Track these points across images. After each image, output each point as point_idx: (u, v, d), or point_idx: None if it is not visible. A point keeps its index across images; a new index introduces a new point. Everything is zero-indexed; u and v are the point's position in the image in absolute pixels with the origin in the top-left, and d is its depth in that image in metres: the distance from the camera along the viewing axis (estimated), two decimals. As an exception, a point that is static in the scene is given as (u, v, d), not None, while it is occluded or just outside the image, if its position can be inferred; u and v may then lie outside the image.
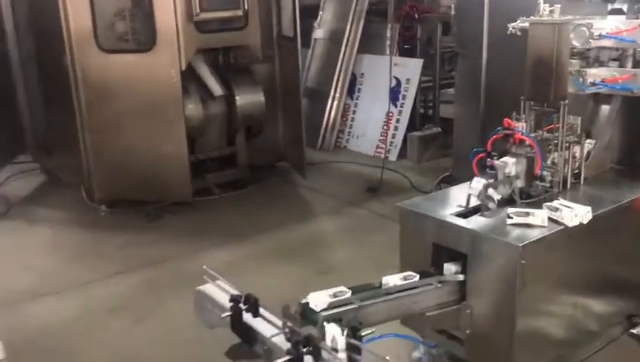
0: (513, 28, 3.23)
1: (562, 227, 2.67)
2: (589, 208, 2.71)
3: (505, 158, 2.92)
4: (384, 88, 7.34)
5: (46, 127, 6.83)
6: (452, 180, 5.32)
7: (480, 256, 2.68)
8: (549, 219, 2.70)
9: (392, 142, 7.25)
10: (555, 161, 3.04)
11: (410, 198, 5.94)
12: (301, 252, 4.80)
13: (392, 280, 2.61)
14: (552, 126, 3.06)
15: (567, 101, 2.96)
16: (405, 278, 2.63)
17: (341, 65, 7.63)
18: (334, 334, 2.14)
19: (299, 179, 6.31)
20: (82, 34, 5.06)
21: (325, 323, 2.21)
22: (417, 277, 2.63)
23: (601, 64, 3.12)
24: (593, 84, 3.00)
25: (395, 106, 7.31)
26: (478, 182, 2.86)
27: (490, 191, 2.84)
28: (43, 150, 6.86)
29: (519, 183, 2.94)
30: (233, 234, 5.02)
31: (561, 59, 2.86)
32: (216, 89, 5.60)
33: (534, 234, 2.62)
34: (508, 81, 3.68)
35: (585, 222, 2.69)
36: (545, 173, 2.95)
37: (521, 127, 2.94)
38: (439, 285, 2.71)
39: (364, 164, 6.88)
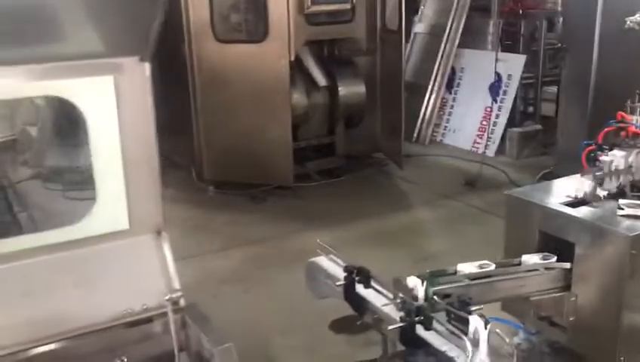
0: (631, 21, 3.21)
1: (675, 220, 2.67)
2: None
3: (614, 152, 2.94)
4: (484, 83, 7.35)
5: (162, 112, 7.30)
6: (553, 177, 5.28)
7: (588, 245, 2.73)
8: (662, 212, 2.70)
9: (490, 138, 7.22)
10: (670, 155, 3.01)
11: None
12: (398, 239, 4.93)
13: (467, 268, 2.69)
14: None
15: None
16: (481, 266, 2.70)
17: (441, 59, 7.68)
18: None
19: (394, 170, 6.44)
20: (201, 25, 5.41)
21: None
22: (493, 266, 2.69)
23: None
24: None
25: (495, 102, 7.28)
26: (586, 178, 2.89)
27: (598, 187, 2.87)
28: (158, 133, 7.34)
29: (632, 177, 2.94)
30: (331, 219, 5.22)
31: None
32: (321, 79, 5.83)
33: (646, 226, 2.63)
34: (619, 79, 3.66)
35: (700, 216, 2.67)
36: (659, 166, 2.93)
37: (635, 120, 2.94)
38: (545, 271, 2.78)
39: (461, 158, 6.91)
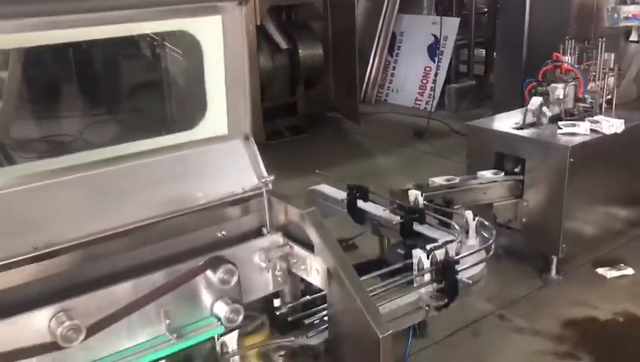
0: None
1: (601, 135, 3.42)
2: (622, 120, 3.45)
3: (555, 84, 3.66)
4: (423, 45, 8.07)
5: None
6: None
7: (536, 159, 3.44)
8: (591, 130, 3.44)
9: (431, 94, 7.96)
10: (593, 88, 3.77)
11: (451, 141, 6.70)
12: (363, 180, 5.52)
13: (438, 180, 3.36)
14: (591, 62, 3.79)
15: (604, 39, 3.67)
16: (448, 180, 3.38)
17: (382, 24, 8.32)
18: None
19: (350, 126, 7.05)
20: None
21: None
22: (458, 179, 3.37)
23: (634, 2, 3.83)
24: (626, 18, 3.70)
25: (434, 61, 8.01)
26: (536, 101, 3.60)
27: (544, 108, 3.58)
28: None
29: (566, 105, 3.68)
30: (303, 169, 5.76)
31: (600, 2, 3.58)
32: (282, 43, 6.32)
33: (580, 139, 3.37)
34: (549, 33, 4.33)
35: (619, 131, 3.43)
36: (586, 96, 3.68)
37: (567, 59, 3.66)
38: (502, 182, 3.48)
39: (407, 114, 7.61)
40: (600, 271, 3.62)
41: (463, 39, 8.13)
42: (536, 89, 3.73)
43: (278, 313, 2.12)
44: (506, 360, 2.94)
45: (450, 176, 3.41)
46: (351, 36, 6.62)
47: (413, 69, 8.23)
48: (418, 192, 3.04)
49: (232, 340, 1.91)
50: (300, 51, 6.44)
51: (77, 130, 1.97)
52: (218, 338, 1.89)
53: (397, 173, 5.86)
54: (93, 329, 1.64)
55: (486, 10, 8.57)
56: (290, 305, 2.12)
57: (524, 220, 3.57)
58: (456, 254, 2.50)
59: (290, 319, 2.11)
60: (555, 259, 3.56)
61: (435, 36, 7.95)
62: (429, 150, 6.27)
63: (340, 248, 1.96)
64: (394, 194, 3.13)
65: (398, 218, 2.98)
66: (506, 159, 3.60)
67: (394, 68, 8.50)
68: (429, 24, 8.08)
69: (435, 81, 7.97)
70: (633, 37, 3.99)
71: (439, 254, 2.41)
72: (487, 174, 3.51)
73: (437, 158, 5.98)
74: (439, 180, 3.37)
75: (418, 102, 8.06)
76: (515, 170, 3.60)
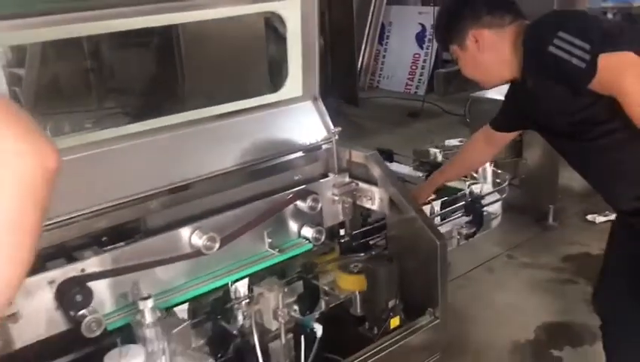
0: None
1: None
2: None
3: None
4: (410, 34, 8.63)
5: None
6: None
7: (533, 121, 3.99)
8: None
9: (420, 80, 8.54)
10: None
11: (444, 120, 7.26)
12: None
13: (453, 141, 3.91)
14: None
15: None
16: (461, 141, 3.92)
17: (372, 15, 8.86)
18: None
19: (348, 110, 7.57)
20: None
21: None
22: None
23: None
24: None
25: (422, 49, 8.59)
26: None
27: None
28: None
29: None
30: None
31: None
32: (286, 34, 6.81)
33: (570, 103, 3.93)
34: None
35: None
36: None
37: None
38: (505, 143, 4.03)
39: (399, 98, 8.17)
40: (589, 217, 4.20)
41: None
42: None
43: (342, 240, 2.64)
44: (518, 287, 3.49)
45: (462, 138, 3.95)
46: (349, 25, 7.15)
47: (402, 57, 8.79)
48: (437, 150, 3.59)
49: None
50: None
51: (187, 92, 2.44)
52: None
53: (400, 147, 6.38)
54: (224, 241, 2.13)
55: None
56: (353, 233, 2.64)
57: (522, 176, 4.13)
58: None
59: (354, 244, 2.63)
60: (552, 208, 4.13)
61: (422, 25, 8.51)
62: (424, 128, 6.83)
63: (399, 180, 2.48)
64: (416, 153, 3.66)
65: (420, 173, 3.53)
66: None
67: (384, 56, 9.05)
68: (416, 14, 8.65)
69: (424, 67, 8.55)
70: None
71: (467, 191, 2.96)
72: (454, 142, 4.03)
73: (432, 135, 6.53)
74: (454, 141, 3.90)
75: (408, 87, 8.63)
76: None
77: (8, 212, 0.94)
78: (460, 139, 3.94)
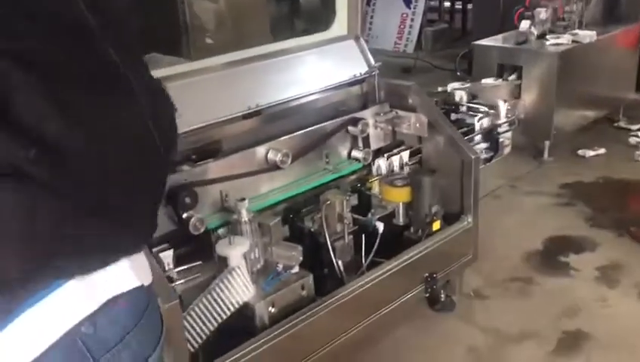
0: None
1: (580, 44, 4.42)
2: (594, 32, 4.46)
3: (540, 8, 4.62)
4: (397, -6, 8.94)
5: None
6: (470, 59, 7.04)
7: (531, 65, 4.40)
8: (572, 41, 4.43)
9: (408, 38, 8.88)
10: (569, 9, 4.76)
11: (435, 74, 7.59)
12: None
13: (456, 84, 4.29)
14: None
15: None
16: (462, 84, 4.30)
17: (360, -24, 9.12)
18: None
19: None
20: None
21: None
22: (469, 85, 4.30)
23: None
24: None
25: (409, 8, 8.91)
26: (525, 23, 4.56)
27: (531, 28, 4.55)
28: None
29: (549, 25, 4.65)
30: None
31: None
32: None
33: (564, 48, 4.35)
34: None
35: (593, 40, 4.43)
36: (565, 16, 4.66)
37: (549, -13, 4.62)
38: (506, 85, 4.44)
39: (391, 56, 8.50)
40: (580, 152, 4.65)
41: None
42: (524, 14, 4.69)
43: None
44: (523, 210, 3.93)
45: (463, 82, 4.34)
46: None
47: (390, 17, 9.09)
48: (453, 87, 3.97)
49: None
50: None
51: (246, 32, 2.75)
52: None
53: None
54: (295, 157, 2.49)
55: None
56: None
57: (521, 116, 4.55)
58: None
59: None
60: (547, 144, 4.57)
61: (409, -16, 8.82)
62: (419, 82, 7.14)
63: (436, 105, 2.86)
64: (430, 94, 4.04)
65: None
66: (505, 68, 4.57)
67: (371, 17, 9.34)
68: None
69: (412, 26, 8.89)
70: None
71: (485, 122, 3.36)
72: (489, 80, 4.45)
73: (428, 87, 6.90)
74: (456, 84, 4.29)
75: (397, 45, 8.96)
76: (510, 78, 4.57)
77: None
78: (461, 82, 4.33)
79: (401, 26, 8.99)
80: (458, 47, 8.32)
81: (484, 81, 4.42)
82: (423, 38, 8.73)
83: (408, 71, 7.67)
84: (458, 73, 7.26)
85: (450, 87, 4.32)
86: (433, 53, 8.58)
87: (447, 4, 9.53)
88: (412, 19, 8.90)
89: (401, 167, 2.93)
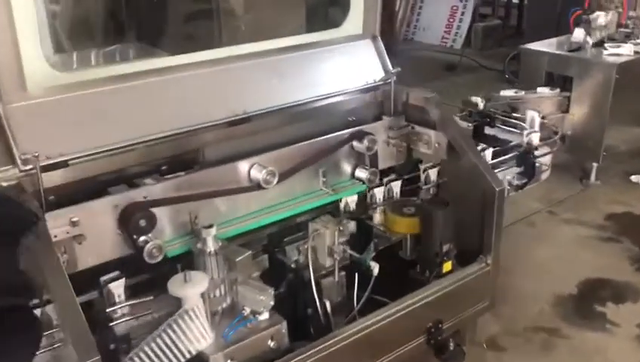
0: None
1: (643, 55, 3.88)
2: (661, 43, 3.90)
3: (598, 12, 4.08)
4: (450, -15, 8.40)
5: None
6: (518, 61, 6.49)
7: (584, 76, 3.89)
8: (634, 51, 3.89)
9: (457, 33, 8.34)
10: (634, 15, 4.20)
11: (481, 75, 7.08)
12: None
13: (507, 92, 3.80)
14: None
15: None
16: (516, 92, 3.83)
17: (410, -36, 8.61)
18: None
19: (383, 61, 7.44)
20: None
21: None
22: (523, 93, 3.82)
23: None
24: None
25: (460, 1, 8.35)
26: (579, 31, 4.03)
27: (587, 36, 4.02)
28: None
29: (608, 31, 4.11)
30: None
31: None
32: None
33: (625, 59, 3.81)
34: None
35: (659, 52, 3.88)
36: (628, 22, 4.11)
37: (613, -11, 4.08)
38: (553, 97, 3.94)
39: (435, 51, 8.01)
40: (633, 178, 4.13)
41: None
42: (581, 17, 4.15)
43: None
44: (559, 242, 3.47)
45: (516, 89, 3.86)
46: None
47: (439, 9, 8.56)
48: (486, 100, 3.51)
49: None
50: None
51: (249, 24, 2.39)
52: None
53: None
54: (282, 176, 2.11)
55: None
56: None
57: (568, 132, 4.05)
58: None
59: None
60: (595, 166, 4.06)
61: (462, -24, 8.26)
62: (461, 81, 6.70)
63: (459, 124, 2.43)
64: (465, 103, 3.58)
65: (467, 123, 3.46)
66: (554, 78, 4.06)
67: (420, 7, 8.83)
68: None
69: (461, 20, 8.33)
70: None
71: (522, 141, 2.90)
72: (545, 90, 3.95)
73: (468, 89, 6.40)
74: (508, 92, 3.81)
75: (445, 40, 8.44)
76: (558, 88, 4.06)
77: None
78: (514, 90, 3.85)
79: (451, 20, 8.45)
80: (510, 46, 7.73)
81: (527, 91, 3.94)
82: (473, 34, 8.17)
83: (452, 69, 7.16)
84: (506, 75, 6.73)
85: (501, 92, 3.84)
86: (482, 52, 8.02)
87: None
88: (462, 13, 8.35)
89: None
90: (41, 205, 1.74)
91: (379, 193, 2.43)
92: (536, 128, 3.15)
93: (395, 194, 2.46)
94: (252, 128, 2.22)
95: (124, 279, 1.87)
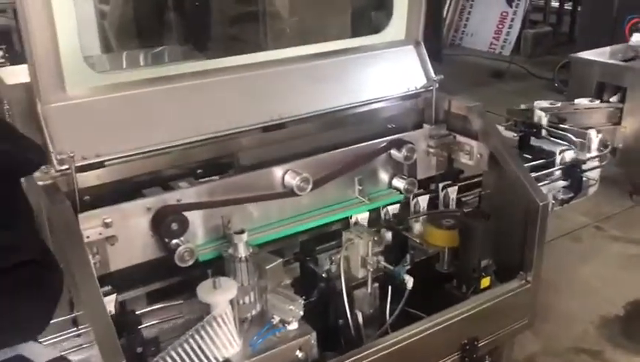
0: None
1: None
2: None
3: (657, 20, 3.91)
4: (500, -9, 8.23)
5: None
6: (569, 69, 6.29)
7: (639, 87, 3.72)
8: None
9: (506, 39, 8.16)
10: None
11: (530, 83, 6.91)
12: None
13: (542, 103, 3.65)
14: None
15: None
16: (552, 103, 3.67)
17: (460, -32, 8.48)
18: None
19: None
20: None
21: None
22: (560, 104, 3.65)
23: None
24: None
25: (511, 7, 8.17)
26: (637, 37, 3.86)
27: (645, 45, 3.85)
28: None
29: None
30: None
31: None
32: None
33: (683, 70, 3.64)
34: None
35: None
36: (691, 31, 3.93)
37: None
38: (604, 108, 3.79)
39: (482, 57, 7.85)
40: (687, 195, 3.93)
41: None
42: (638, 25, 3.98)
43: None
44: (606, 260, 3.32)
45: (553, 101, 3.72)
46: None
47: (489, 14, 8.40)
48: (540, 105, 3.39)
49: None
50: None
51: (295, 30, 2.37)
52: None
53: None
54: (317, 183, 2.07)
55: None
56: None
57: (620, 146, 3.88)
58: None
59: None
60: (647, 181, 3.89)
61: (513, -19, 8.08)
62: (508, 89, 6.55)
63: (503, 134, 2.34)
64: (511, 112, 3.47)
65: (513, 134, 3.35)
66: (606, 88, 3.90)
67: (469, 12, 8.68)
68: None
69: (511, 27, 8.15)
70: None
71: (569, 155, 2.78)
72: (584, 101, 3.80)
73: (516, 97, 6.23)
74: (544, 103, 3.68)
75: (493, 46, 8.27)
76: (611, 99, 3.90)
77: None
78: (550, 101, 3.71)
79: (500, 26, 8.28)
80: (561, 54, 7.52)
81: (577, 101, 3.80)
82: (522, 41, 7.98)
83: (499, 76, 7.00)
84: (556, 84, 6.54)
85: (536, 104, 3.73)
86: (531, 59, 7.83)
87: (554, 4, 8.67)
88: (512, 19, 8.16)
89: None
90: (75, 205, 1.74)
91: (423, 201, 2.36)
92: (593, 143, 3.01)
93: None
94: (288, 134, 2.19)
95: (115, 295, 1.81)
